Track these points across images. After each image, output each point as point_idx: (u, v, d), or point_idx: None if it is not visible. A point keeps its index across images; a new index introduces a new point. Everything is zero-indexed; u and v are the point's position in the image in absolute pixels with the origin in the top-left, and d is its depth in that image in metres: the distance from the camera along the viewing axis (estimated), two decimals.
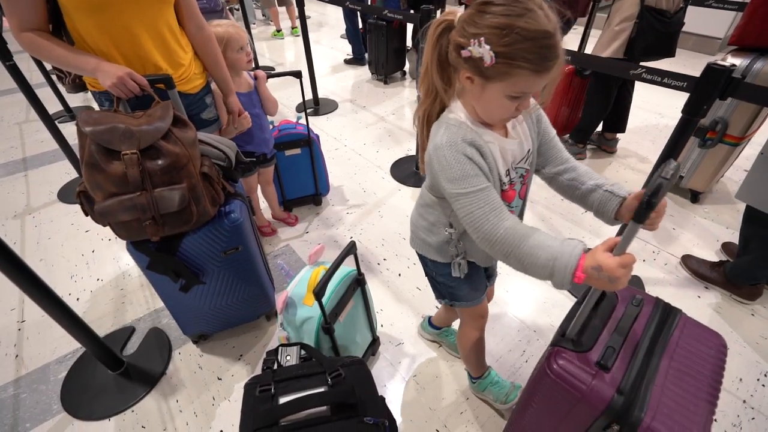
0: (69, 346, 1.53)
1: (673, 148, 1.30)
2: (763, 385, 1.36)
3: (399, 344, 1.51)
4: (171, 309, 1.34)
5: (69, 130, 2.13)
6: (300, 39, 5.30)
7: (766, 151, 1.33)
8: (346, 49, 4.80)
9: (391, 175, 2.48)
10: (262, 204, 2.12)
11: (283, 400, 0.80)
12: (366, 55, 4.08)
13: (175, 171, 0.99)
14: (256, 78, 1.64)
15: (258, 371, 1.42)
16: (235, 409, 1.31)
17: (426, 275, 1.08)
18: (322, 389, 0.82)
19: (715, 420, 1.27)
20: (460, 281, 0.99)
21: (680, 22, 2.05)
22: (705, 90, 1.16)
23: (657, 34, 1.98)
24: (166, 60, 1.20)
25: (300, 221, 2.12)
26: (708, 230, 2.01)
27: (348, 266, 1.19)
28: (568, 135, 2.60)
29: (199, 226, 1.12)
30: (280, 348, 0.96)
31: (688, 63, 3.93)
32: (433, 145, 0.75)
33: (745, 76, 1.75)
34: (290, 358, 0.94)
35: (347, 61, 4.38)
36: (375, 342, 1.43)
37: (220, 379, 1.41)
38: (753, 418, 1.27)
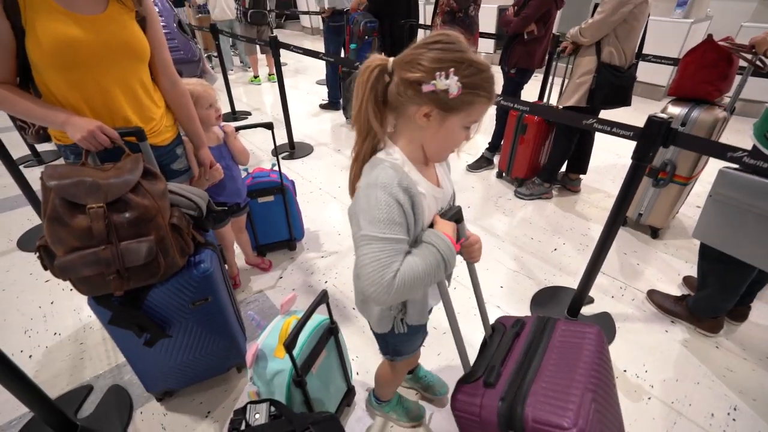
0: (14, 412, 1.40)
1: (628, 188, 1.39)
2: (734, 419, 1.39)
3: None
4: (134, 365, 1.27)
5: (35, 175, 2.07)
6: (276, 85, 5.49)
7: (713, 193, 1.43)
8: (321, 95, 4.97)
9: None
10: (236, 250, 2.09)
11: None
12: (341, 101, 4.24)
13: (143, 224, 0.98)
14: (225, 132, 1.67)
15: (226, 429, 1.34)
16: None
17: (375, 338, 1.06)
18: None
19: None
20: (405, 337, 0.99)
21: (633, 76, 2.26)
22: (649, 139, 1.27)
23: (612, 86, 2.18)
24: (137, 114, 1.21)
25: (274, 267, 2.09)
26: (669, 264, 2.11)
27: (321, 314, 1.18)
28: (536, 176, 2.73)
29: (166, 277, 1.09)
30: (248, 406, 0.92)
31: (639, 108, 4.26)
32: (366, 183, 0.73)
33: (685, 123, 1.93)
34: (259, 416, 0.90)
35: (322, 106, 4.53)
36: (350, 392, 1.38)
37: None
38: None
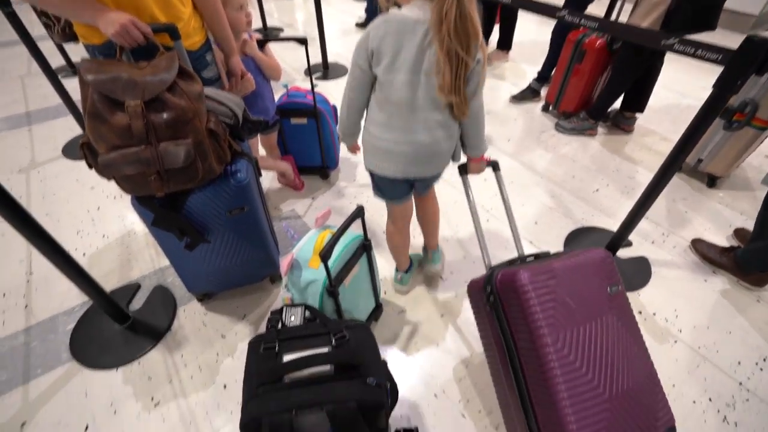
0: (76, 299, 1.55)
1: (698, 126, 1.24)
2: (761, 369, 1.36)
3: (401, 312, 1.51)
4: (176, 267, 1.34)
5: (72, 86, 2.08)
6: (311, 0, 5.11)
7: None
8: (357, 13, 4.61)
9: None
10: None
11: (286, 358, 0.81)
12: None
13: (180, 125, 0.96)
14: (245, 41, 1.54)
15: (261, 331, 1.44)
16: (238, 366, 1.34)
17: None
18: (326, 349, 0.82)
19: (710, 400, 1.28)
20: (378, 180, 1.22)
21: None
22: (741, 64, 1.09)
23: (696, 6, 1.86)
24: (163, 12, 1.13)
25: (305, 192, 2.10)
26: (721, 215, 1.97)
27: (355, 231, 1.18)
28: (584, 111, 2.52)
29: (204, 184, 1.10)
30: (284, 308, 0.96)
31: (717, 40, 3.75)
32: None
33: None
34: (294, 318, 0.94)
35: (359, 25, 4.22)
36: (378, 309, 1.44)
37: (224, 337, 1.43)
38: (747, 400, 1.28)
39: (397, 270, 1.57)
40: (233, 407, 1.24)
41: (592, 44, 2.31)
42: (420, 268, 1.65)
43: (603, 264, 0.97)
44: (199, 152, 1.01)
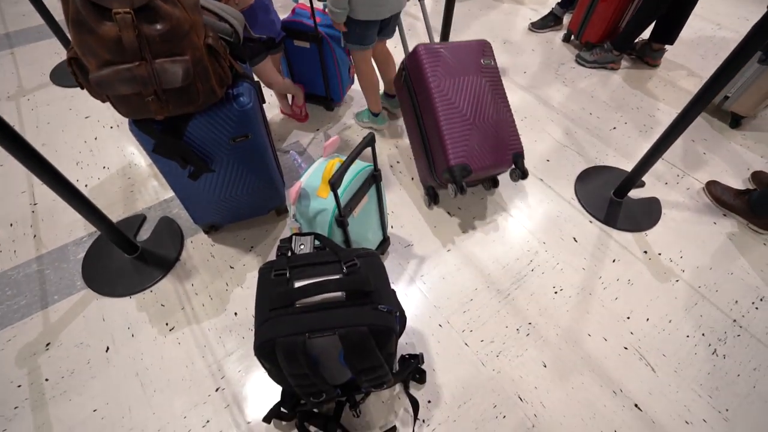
0: (83, 230, 1.56)
1: (734, 60, 1.14)
2: (757, 308, 1.39)
3: (408, 246, 1.52)
4: (181, 198, 1.32)
5: (52, 3, 1.90)
6: None
7: None
8: None
9: None
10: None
11: (298, 284, 0.81)
12: None
13: (176, 39, 0.87)
14: None
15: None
16: (248, 295, 1.37)
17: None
18: (337, 276, 0.82)
19: (703, 335, 1.32)
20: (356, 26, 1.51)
21: None
22: None
23: None
24: None
25: (310, 122, 2.01)
26: (741, 157, 1.90)
27: (364, 162, 1.13)
28: (608, 42, 2.33)
29: (205, 107, 1.03)
30: (293, 237, 0.95)
31: None
32: None
33: None
34: (304, 246, 0.93)
35: None
36: (385, 241, 1.44)
37: (233, 267, 1.45)
38: (738, 335, 1.32)
39: (372, 113, 1.90)
40: (245, 333, 1.29)
41: None
42: (389, 112, 2.02)
43: (480, 46, 1.47)
44: (199, 72, 0.93)
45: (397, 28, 1.73)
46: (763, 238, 1.60)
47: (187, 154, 1.10)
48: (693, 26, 2.67)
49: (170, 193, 1.66)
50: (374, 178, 1.15)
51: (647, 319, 1.35)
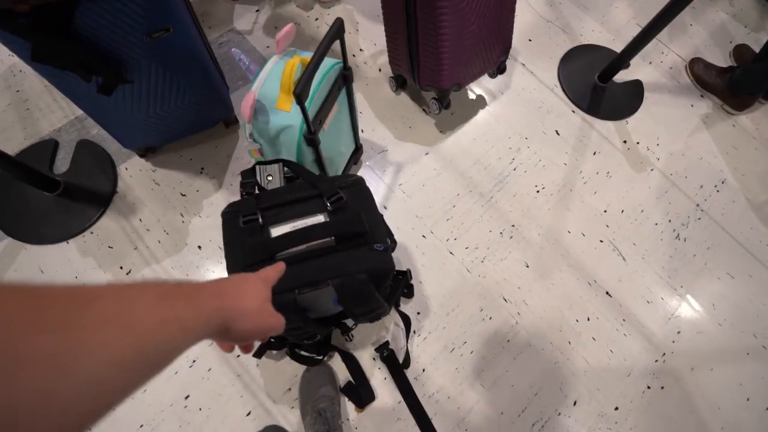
0: None
1: None
2: (718, 191, 1.45)
3: (382, 151, 1.37)
4: (98, 120, 1.03)
5: None
6: None
7: None
8: None
9: None
10: None
11: (274, 230, 0.67)
12: None
13: None
14: None
15: (225, 184, 1.27)
16: (209, 225, 1.21)
17: None
18: (321, 217, 0.68)
19: (669, 221, 1.38)
20: None
21: None
22: None
23: None
24: None
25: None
26: (725, 29, 1.77)
27: (329, 57, 0.90)
28: None
29: None
30: (257, 167, 0.77)
31: None
32: None
33: None
34: (272, 178, 0.76)
35: None
36: (358, 150, 1.27)
37: (184, 195, 1.25)
38: (699, 219, 1.39)
39: None
40: (215, 267, 1.17)
41: None
42: None
43: None
44: None
45: None
46: (734, 119, 1.60)
47: (84, 58, 0.80)
48: None
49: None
50: (345, 80, 0.93)
51: (622, 211, 1.37)
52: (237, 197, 1.23)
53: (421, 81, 1.26)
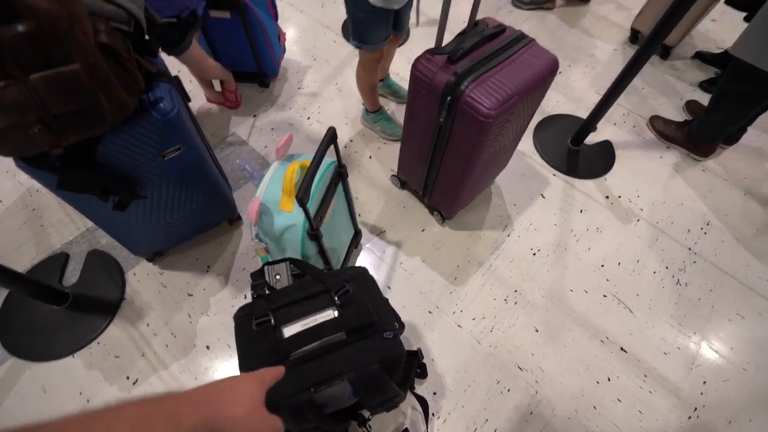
0: None
1: (678, 6, 1.11)
2: (705, 233, 1.51)
3: (381, 233, 1.43)
4: (110, 232, 1.09)
5: None
6: None
7: None
8: None
9: (342, 37, 2.06)
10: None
11: (287, 329, 0.69)
12: None
13: (53, 42, 0.64)
14: None
15: (231, 280, 1.30)
16: (217, 324, 1.22)
17: (348, 14, 1.20)
18: (331, 312, 0.71)
19: (666, 268, 1.41)
20: (371, 22, 1.18)
21: None
22: None
23: None
24: None
25: (243, 103, 1.75)
26: (674, 88, 1.98)
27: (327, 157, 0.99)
28: None
29: (117, 125, 0.81)
30: (266, 268, 0.81)
31: None
32: None
33: None
34: (280, 277, 0.80)
35: None
36: (357, 235, 1.33)
37: (191, 295, 1.27)
38: (694, 262, 1.43)
39: (370, 112, 1.63)
40: (224, 367, 1.15)
41: None
42: (390, 95, 1.80)
43: (550, 70, 1.03)
44: (98, 81, 0.71)
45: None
46: (702, 164, 1.71)
47: (105, 183, 0.88)
48: None
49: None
50: (340, 176, 1.01)
51: (619, 264, 1.41)
52: (242, 292, 1.27)
53: (432, 201, 1.37)
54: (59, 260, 1.30)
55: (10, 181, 1.51)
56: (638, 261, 1.42)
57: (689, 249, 1.47)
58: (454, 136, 1.04)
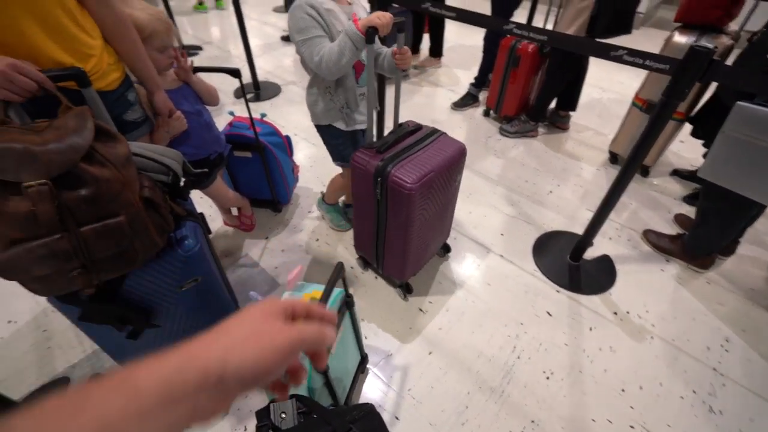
0: None
1: (652, 130, 1.28)
2: (727, 351, 1.46)
3: (388, 356, 1.40)
4: (118, 359, 1.10)
5: None
6: (227, 13, 4.77)
7: (726, 129, 1.36)
8: (280, 25, 4.40)
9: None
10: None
11: None
12: None
13: (105, 201, 0.76)
14: (182, 68, 1.32)
15: (232, 410, 1.23)
16: None
17: (325, 145, 1.55)
18: None
19: (694, 392, 1.32)
20: (344, 144, 1.49)
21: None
22: (686, 73, 1.13)
23: (616, 11, 1.98)
24: (68, 51, 0.91)
25: (257, 227, 1.89)
26: (660, 203, 2.11)
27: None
28: (525, 114, 2.59)
29: (144, 262, 0.89)
30: (271, 405, 0.80)
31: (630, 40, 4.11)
32: (291, 8, 1.18)
33: None
34: (286, 416, 0.78)
35: (285, 38, 4.01)
36: (363, 360, 1.30)
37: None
38: (724, 385, 1.35)
39: (326, 203, 1.85)
40: None
41: (525, 50, 2.37)
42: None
43: (460, 156, 1.34)
44: (135, 229, 0.81)
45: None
46: (705, 276, 1.73)
47: (124, 315, 0.93)
48: (585, 93, 3.08)
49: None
50: (347, 305, 1.05)
51: (641, 388, 1.33)
52: (243, 423, 1.20)
53: (385, 271, 1.56)
54: (59, 385, 1.27)
55: (27, 301, 1.56)
56: (661, 384, 1.35)
57: (714, 369, 1.40)
58: (390, 209, 1.28)
